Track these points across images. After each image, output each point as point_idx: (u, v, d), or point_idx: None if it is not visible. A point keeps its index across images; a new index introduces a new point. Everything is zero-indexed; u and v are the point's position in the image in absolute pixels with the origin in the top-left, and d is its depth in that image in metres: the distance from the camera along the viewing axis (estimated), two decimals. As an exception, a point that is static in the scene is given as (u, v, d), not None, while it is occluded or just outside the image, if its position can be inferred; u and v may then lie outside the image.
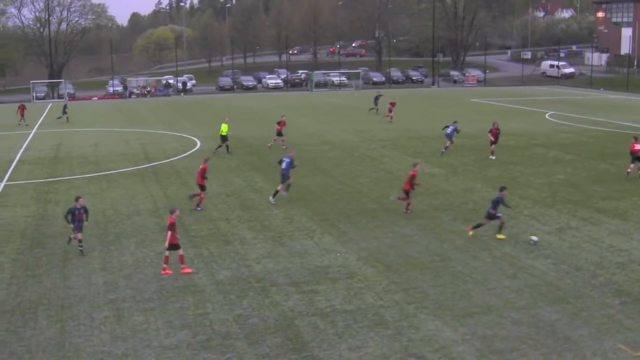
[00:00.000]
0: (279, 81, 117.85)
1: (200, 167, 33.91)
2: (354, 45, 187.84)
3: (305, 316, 21.06)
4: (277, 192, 35.11)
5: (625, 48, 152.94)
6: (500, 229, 29.02)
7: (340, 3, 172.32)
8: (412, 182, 32.44)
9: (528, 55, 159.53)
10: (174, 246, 24.94)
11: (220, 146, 48.56)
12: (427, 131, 59.50)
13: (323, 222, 31.27)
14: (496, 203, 28.59)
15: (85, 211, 27.02)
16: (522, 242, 28.35)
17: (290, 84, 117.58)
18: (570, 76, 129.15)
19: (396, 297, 22.56)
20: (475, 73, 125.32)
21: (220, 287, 23.44)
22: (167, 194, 37.03)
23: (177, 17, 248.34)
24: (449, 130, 49.38)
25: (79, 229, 26.78)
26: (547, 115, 71.43)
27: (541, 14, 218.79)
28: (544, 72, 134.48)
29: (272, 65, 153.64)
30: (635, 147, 40.99)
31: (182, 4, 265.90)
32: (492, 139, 47.00)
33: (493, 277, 24.36)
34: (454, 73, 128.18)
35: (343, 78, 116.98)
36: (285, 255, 26.76)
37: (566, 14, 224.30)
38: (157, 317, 21.02)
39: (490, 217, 28.76)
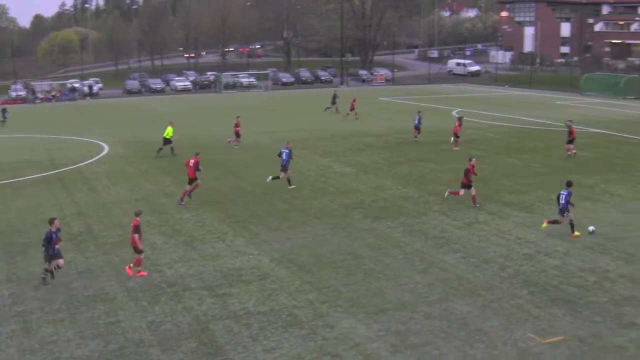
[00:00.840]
0: (188, 83, 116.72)
1: (193, 160, 34.97)
2: (251, 47, 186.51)
3: (219, 320, 20.91)
4: (277, 177, 37.86)
5: (528, 46, 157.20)
6: (573, 227, 28.91)
7: (249, 4, 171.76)
8: (469, 175, 33.34)
9: (435, 54, 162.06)
10: (134, 248, 24.69)
11: (161, 149, 48.29)
12: (336, 130, 59.75)
13: (235, 225, 31.11)
14: (568, 198, 28.79)
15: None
16: (432, 238, 28.75)
17: (199, 86, 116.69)
18: (476, 74, 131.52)
19: (310, 296, 22.59)
20: (384, 72, 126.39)
21: (132, 294, 23.08)
22: (74, 200, 36.30)
23: (82, 18, 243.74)
24: (415, 120, 53.10)
25: (58, 255, 23.96)
26: (454, 113, 72.46)
27: (447, 14, 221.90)
28: (450, 71, 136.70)
29: (181, 67, 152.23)
30: (574, 130, 45.44)
31: (87, 5, 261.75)
32: (456, 132, 49.67)
33: (405, 273, 24.61)
34: (363, 72, 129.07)
35: (252, 79, 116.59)
36: (198, 259, 26.53)
37: (471, 13, 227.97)
38: (67, 328, 20.55)
39: (564, 211, 28.89)
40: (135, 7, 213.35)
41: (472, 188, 33.73)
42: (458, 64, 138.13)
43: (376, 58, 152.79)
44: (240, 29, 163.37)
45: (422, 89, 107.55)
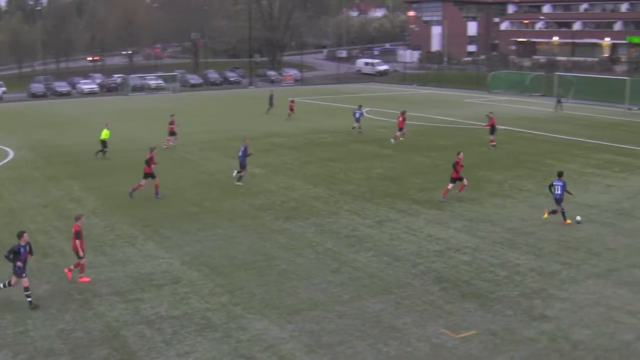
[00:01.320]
0: (94, 86, 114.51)
1: (148, 156, 35.75)
2: (160, 49, 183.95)
3: (131, 325, 20.60)
4: (240, 177, 39.03)
5: (435, 45, 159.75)
6: (552, 212, 30.67)
7: (156, 5, 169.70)
8: (457, 168, 34.44)
9: (343, 53, 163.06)
10: (76, 254, 24.12)
11: (100, 150, 47.97)
12: (245, 132, 59.32)
13: (145, 228, 30.72)
14: (564, 188, 30.16)
15: (30, 246, 22.57)
16: (343, 237, 28.89)
17: (106, 89, 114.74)
18: (384, 73, 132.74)
19: (222, 299, 22.45)
20: (292, 72, 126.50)
21: (41, 302, 22.48)
22: (-21, 207, 35.36)
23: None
24: (357, 114, 56.97)
25: (23, 271, 22.04)
26: (364, 112, 72.89)
27: (355, 13, 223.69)
28: (359, 70, 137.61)
29: (87, 70, 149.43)
30: (493, 121, 49.00)
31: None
32: (400, 126, 52.09)
33: (317, 273, 24.67)
34: (271, 73, 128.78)
35: (160, 81, 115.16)
36: (107, 265, 26.09)
37: (379, 13, 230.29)
38: (-28, 338, 19.98)
39: (561, 201, 30.25)
40: (39, 8, 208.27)
41: (464, 179, 34.80)
42: (366, 64, 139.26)
43: (285, 58, 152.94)
44: (148, 31, 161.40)
45: (331, 89, 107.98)
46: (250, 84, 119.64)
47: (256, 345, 19.16)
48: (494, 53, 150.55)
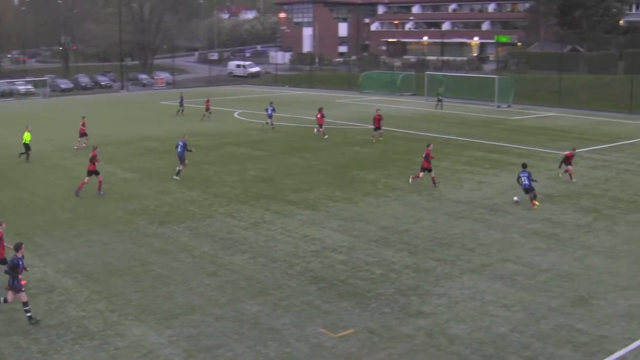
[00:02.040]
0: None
1: (91, 154, 36.98)
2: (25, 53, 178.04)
3: (5, 336, 20.10)
4: (179, 171, 40.90)
5: (306, 46, 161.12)
6: (535, 197, 33.33)
7: (24, 8, 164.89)
8: (429, 159, 37.30)
9: (215, 56, 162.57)
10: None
11: (23, 153, 47.41)
12: (117, 136, 58.66)
13: (17, 237, 29.72)
14: (530, 177, 33.19)
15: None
16: (219, 240, 28.94)
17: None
18: (256, 75, 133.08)
19: (99, 306, 22.19)
20: (164, 76, 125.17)
21: None
22: None
23: None
24: (268, 111, 60.59)
25: (19, 287, 20.92)
26: (235, 114, 73.04)
27: (226, 16, 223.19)
28: (231, 72, 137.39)
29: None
30: (378, 118, 53.41)
31: None
32: (320, 123, 54.96)
33: (194, 277, 24.65)
34: (142, 77, 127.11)
35: (29, 86, 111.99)
36: (-22, 275, 25.42)
37: (250, 15, 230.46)
38: None
39: (530, 189, 33.04)
40: None
41: (432, 171, 37.43)
42: (238, 66, 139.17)
43: (156, 62, 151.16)
44: (16, 35, 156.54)
45: (203, 92, 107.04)
46: (122, 88, 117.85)
47: (135, 351, 19.05)
48: (365, 53, 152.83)
